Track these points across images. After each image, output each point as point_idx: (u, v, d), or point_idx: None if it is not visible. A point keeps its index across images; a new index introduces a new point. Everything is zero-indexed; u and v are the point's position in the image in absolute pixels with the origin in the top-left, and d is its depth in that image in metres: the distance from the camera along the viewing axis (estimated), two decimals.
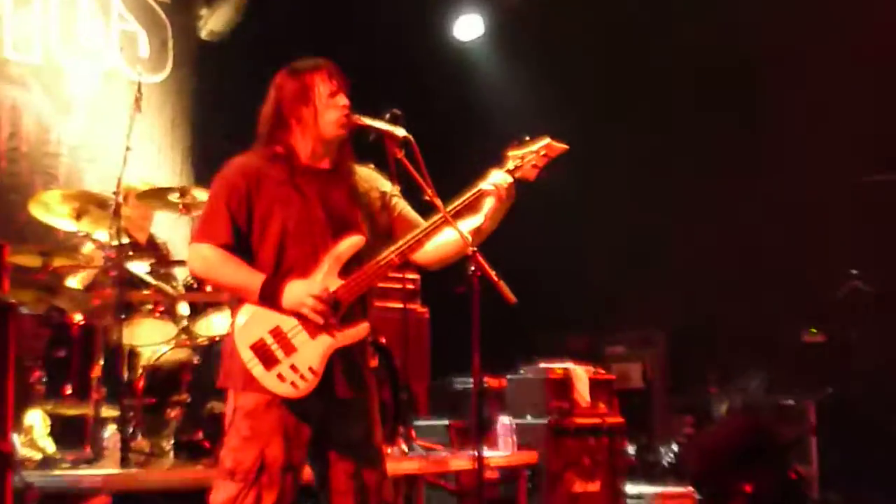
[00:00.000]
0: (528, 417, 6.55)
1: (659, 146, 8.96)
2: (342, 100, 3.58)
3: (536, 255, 8.72)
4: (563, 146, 3.66)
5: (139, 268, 5.67)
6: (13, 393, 4.21)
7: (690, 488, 7.25)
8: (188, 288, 5.79)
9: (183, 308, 5.78)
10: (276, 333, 3.42)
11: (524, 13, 9.29)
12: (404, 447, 5.82)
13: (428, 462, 5.80)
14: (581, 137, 4.17)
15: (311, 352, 3.42)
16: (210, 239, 3.49)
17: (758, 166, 8.55)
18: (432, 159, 3.52)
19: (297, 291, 3.41)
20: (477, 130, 8.78)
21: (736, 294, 8.54)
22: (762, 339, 8.47)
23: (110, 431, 5.04)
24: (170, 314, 5.69)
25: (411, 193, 3.66)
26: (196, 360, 5.28)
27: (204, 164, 8.07)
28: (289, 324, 3.43)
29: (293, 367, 3.40)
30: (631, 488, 7.08)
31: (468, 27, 9.56)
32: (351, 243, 3.50)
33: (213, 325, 5.64)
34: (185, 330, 5.64)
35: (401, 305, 6.55)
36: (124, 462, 4.88)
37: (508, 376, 7.00)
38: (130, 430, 5.10)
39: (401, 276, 6.64)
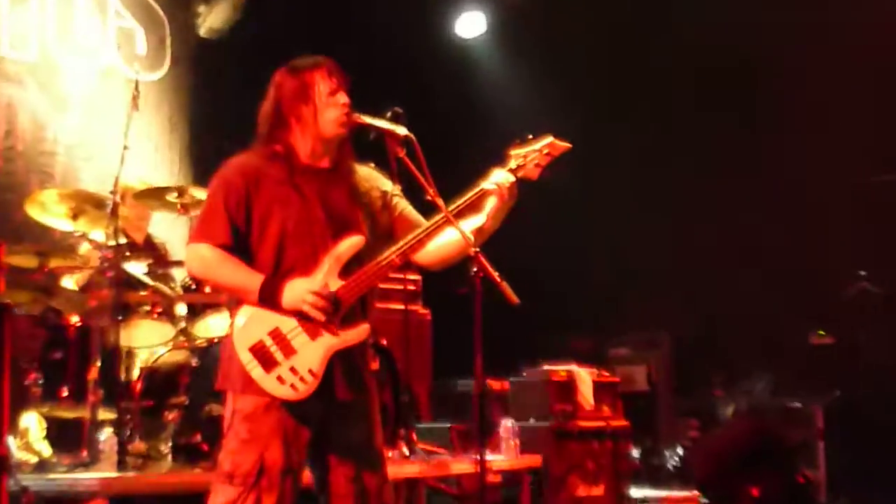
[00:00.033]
0: (531, 420, 6.54)
1: (659, 146, 8.95)
2: (342, 98, 3.54)
3: (539, 256, 8.69)
4: (566, 145, 3.62)
5: (136, 268, 5.68)
6: (9, 395, 4.21)
7: (696, 492, 7.23)
8: (186, 289, 5.79)
9: (181, 309, 5.75)
10: (276, 335, 3.38)
11: (526, 11, 9.27)
12: (405, 450, 5.81)
13: (429, 465, 5.80)
14: (583, 136, 4.12)
15: (311, 354, 3.38)
16: (208, 239, 3.45)
17: (758, 166, 8.53)
18: (434, 158, 3.48)
19: (298, 289, 3.37)
20: (479, 129, 8.77)
21: (741, 295, 8.50)
22: (768, 341, 8.45)
23: (107, 434, 5.01)
24: (168, 315, 5.68)
25: (412, 193, 3.63)
26: (194, 361, 5.27)
27: (202, 163, 8.03)
28: (288, 325, 3.39)
29: (293, 370, 3.37)
30: (635, 492, 7.08)
31: (470, 25, 9.54)
32: (351, 243, 3.46)
33: (212, 326, 5.64)
34: (183, 331, 5.63)
35: (402, 307, 6.55)
36: (121, 465, 4.86)
37: (511, 379, 7.00)
38: (128, 432, 5.08)
39: (402, 276, 6.63)
